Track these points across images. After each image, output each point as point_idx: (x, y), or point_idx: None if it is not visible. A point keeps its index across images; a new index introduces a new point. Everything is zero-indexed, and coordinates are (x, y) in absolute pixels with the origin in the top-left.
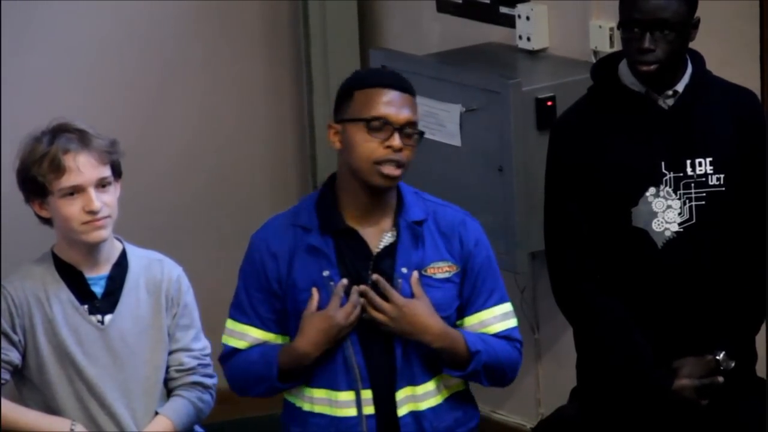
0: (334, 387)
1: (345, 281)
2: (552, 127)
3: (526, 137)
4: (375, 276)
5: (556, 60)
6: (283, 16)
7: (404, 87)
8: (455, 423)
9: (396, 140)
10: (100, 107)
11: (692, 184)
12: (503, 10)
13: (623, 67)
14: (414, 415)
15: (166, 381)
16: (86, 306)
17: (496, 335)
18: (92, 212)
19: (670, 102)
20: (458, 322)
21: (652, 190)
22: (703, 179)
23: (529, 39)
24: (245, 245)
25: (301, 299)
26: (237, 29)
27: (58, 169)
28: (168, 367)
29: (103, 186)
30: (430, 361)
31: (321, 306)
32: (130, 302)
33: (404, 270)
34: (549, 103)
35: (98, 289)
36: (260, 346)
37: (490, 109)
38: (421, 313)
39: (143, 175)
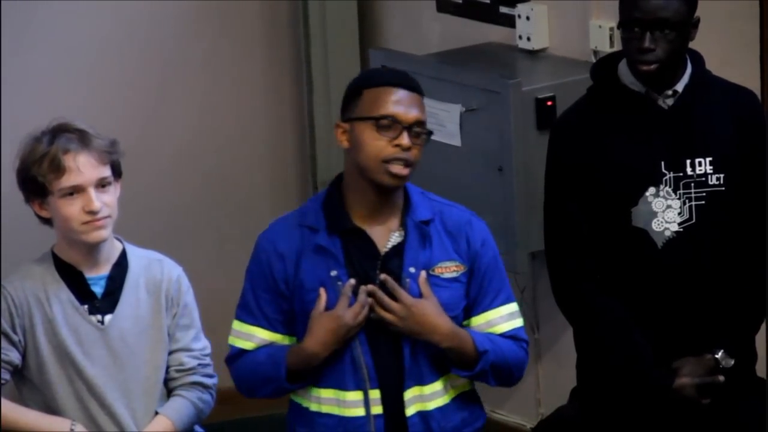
0: (342, 387)
1: (353, 281)
2: (552, 127)
3: (526, 137)
4: (383, 276)
5: (556, 60)
6: (283, 16)
7: (413, 86)
8: (462, 423)
9: (405, 139)
10: (100, 107)
11: (692, 184)
12: (503, 9)
13: (623, 67)
14: (422, 414)
15: (166, 381)
16: (86, 306)
17: (503, 335)
18: (92, 212)
19: (670, 102)
20: (465, 322)
21: (651, 189)
22: (703, 179)
23: (529, 39)
24: (245, 245)
25: (308, 299)
26: (237, 29)
27: (58, 169)
28: (168, 367)
29: (103, 186)
30: (438, 360)
31: (329, 306)
32: (130, 302)
33: (412, 270)
34: (549, 103)
35: (98, 289)
36: (267, 347)
37: (490, 109)
38: (430, 312)
39: (143, 175)
